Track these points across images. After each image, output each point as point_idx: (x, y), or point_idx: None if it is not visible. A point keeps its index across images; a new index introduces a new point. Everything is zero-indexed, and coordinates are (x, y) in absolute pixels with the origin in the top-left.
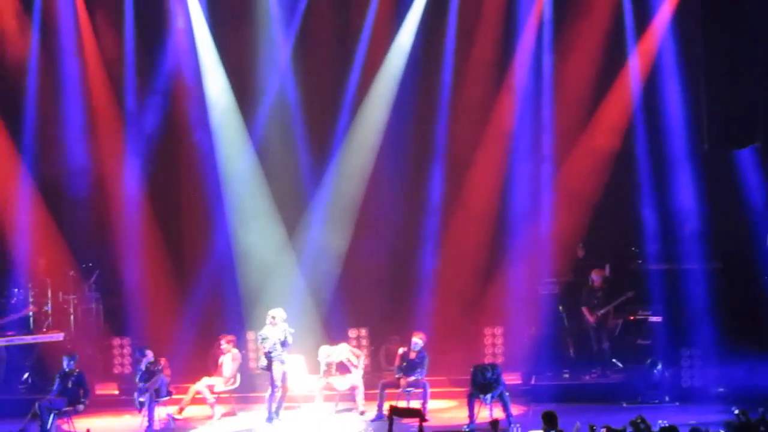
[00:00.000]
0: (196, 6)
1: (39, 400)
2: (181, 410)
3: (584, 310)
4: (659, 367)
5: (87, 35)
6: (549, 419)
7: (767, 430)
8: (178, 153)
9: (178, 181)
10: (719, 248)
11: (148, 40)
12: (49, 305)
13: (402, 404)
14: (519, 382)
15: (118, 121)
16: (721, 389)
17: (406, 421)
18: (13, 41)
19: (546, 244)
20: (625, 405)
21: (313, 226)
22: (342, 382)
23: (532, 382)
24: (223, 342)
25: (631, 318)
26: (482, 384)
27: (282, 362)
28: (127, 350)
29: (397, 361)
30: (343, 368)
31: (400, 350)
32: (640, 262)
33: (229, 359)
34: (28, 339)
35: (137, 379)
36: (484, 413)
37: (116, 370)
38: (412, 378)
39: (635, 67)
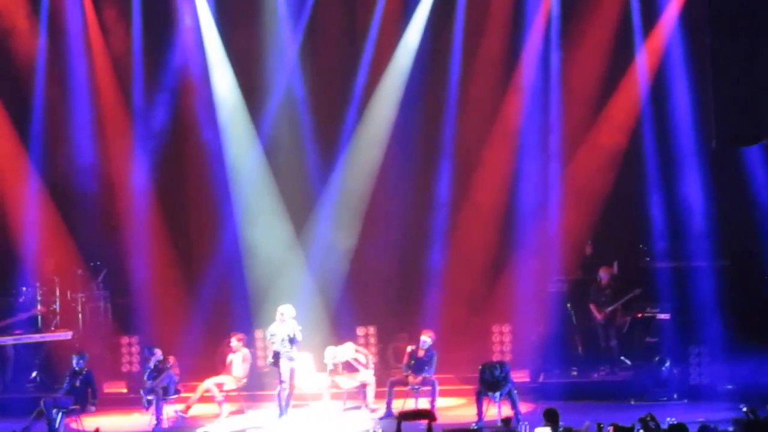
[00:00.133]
0: (203, 4)
1: (44, 398)
2: (188, 408)
3: (592, 307)
4: (667, 364)
5: (95, 34)
6: (550, 416)
7: None
8: (186, 151)
9: (186, 179)
10: (727, 246)
11: (156, 37)
12: (57, 304)
13: (410, 402)
14: (527, 379)
15: (126, 120)
16: (729, 386)
17: (415, 420)
18: (22, 40)
19: (554, 241)
20: (633, 402)
21: (321, 223)
22: (350, 381)
23: (541, 379)
24: (233, 340)
25: (639, 315)
26: (491, 382)
27: (290, 359)
28: (135, 349)
29: (405, 359)
30: (349, 367)
31: (409, 348)
32: (648, 259)
33: (239, 359)
34: (36, 338)
35: (146, 378)
36: (493, 411)
37: (124, 369)
38: (420, 376)
39: (643, 64)
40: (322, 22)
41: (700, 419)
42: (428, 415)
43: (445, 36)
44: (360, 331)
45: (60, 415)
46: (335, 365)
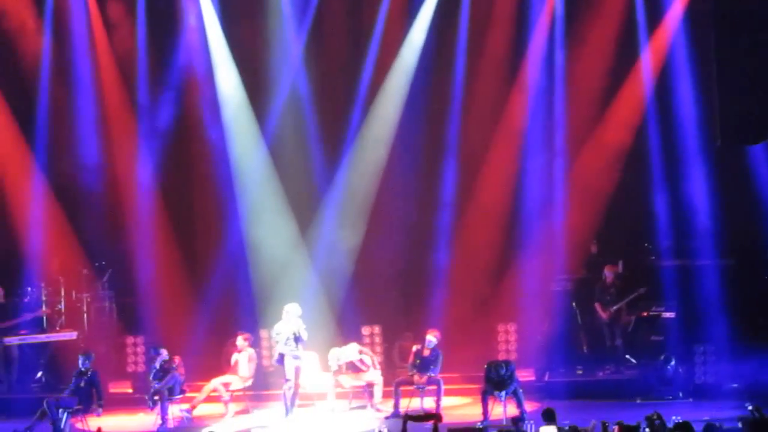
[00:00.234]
0: (207, 2)
1: (47, 398)
2: (193, 408)
3: (597, 306)
4: (672, 363)
5: (99, 33)
6: (548, 416)
7: None
8: (191, 150)
9: (191, 178)
10: (732, 244)
11: (161, 36)
12: (62, 304)
13: (416, 401)
14: (532, 378)
15: (131, 119)
16: (734, 385)
17: (421, 422)
18: (26, 40)
19: (559, 240)
20: (638, 401)
21: (326, 223)
22: (356, 380)
23: (546, 378)
24: (240, 339)
25: (645, 314)
26: (496, 381)
27: (295, 358)
28: (140, 348)
29: (410, 359)
30: (354, 368)
31: (414, 348)
32: (653, 258)
33: (245, 358)
34: (42, 338)
35: (151, 378)
36: (498, 410)
37: (130, 369)
38: (425, 375)
39: (647, 62)
40: (327, 21)
41: (706, 418)
42: (434, 416)
43: (449, 35)
44: (365, 330)
45: (65, 415)
46: (339, 366)
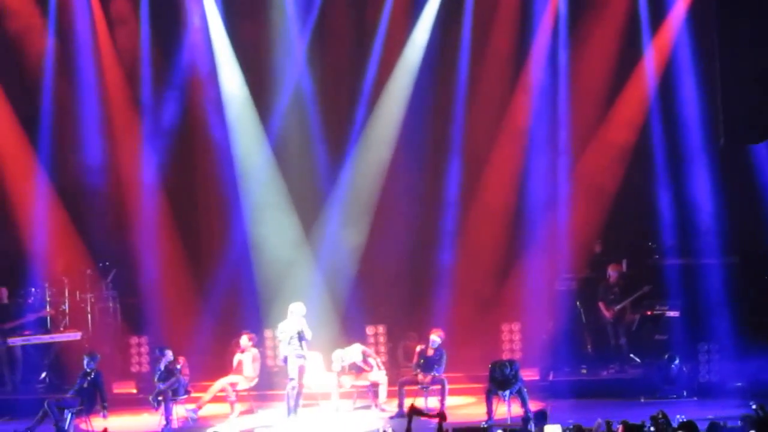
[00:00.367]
0: (211, 1)
1: (48, 399)
2: (199, 408)
3: (601, 305)
4: (677, 362)
5: (102, 33)
6: (541, 417)
7: None
8: (194, 150)
9: (195, 178)
10: (736, 243)
11: (164, 36)
12: (67, 304)
13: (420, 401)
14: (537, 377)
15: (135, 119)
16: (738, 384)
17: (425, 417)
18: (30, 40)
19: (563, 239)
20: (643, 400)
21: (330, 222)
22: (361, 380)
23: (550, 377)
24: (244, 338)
25: (649, 313)
26: (500, 380)
27: (299, 357)
28: (144, 349)
29: (415, 359)
30: (357, 369)
31: (418, 348)
32: (656, 257)
33: (249, 359)
34: (46, 338)
35: (156, 379)
36: (503, 409)
37: (134, 369)
38: (430, 375)
39: (651, 61)
40: (331, 20)
41: (710, 416)
42: (439, 415)
43: (453, 34)
44: (369, 330)
45: (70, 415)
46: (343, 368)
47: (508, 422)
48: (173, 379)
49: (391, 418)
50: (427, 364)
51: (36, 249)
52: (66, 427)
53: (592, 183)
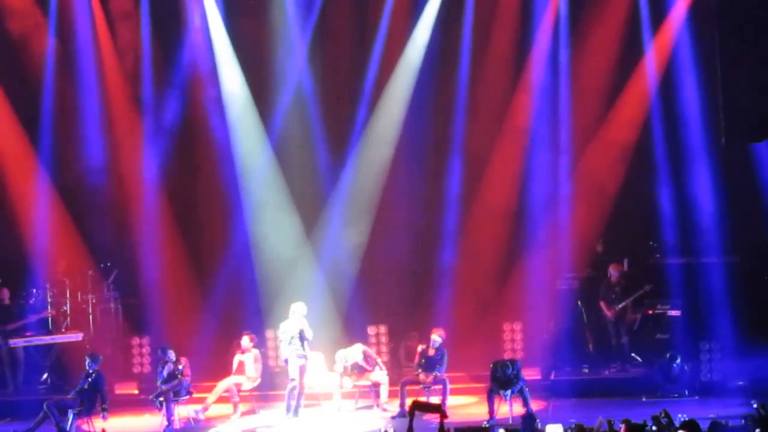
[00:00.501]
0: (211, 0)
1: (47, 400)
2: (205, 409)
3: (602, 304)
4: (678, 361)
5: (103, 32)
6: (529, 419)
7: None
8: (196, 149)
9: (196, 178)
10: (737, 241)
11: (165, 35)
12: (68, 305)
13: (422, 400)
14: (538, 377)
15: (136, 119)
16: (740, 383)
17: (426, 417)
18: (31, 39)
19: (564, 238)
20: (644, 399)
21: (331, 221)
22: (362, 380)
23: (552, 377)
24: (246, 339)
25: (650, 312)
26: (502, 380)
27: (299, 357)
28: (146, 349)
29: (416, 359)
30: (359, 368)
31: (419, 347)
32: (658, 256)
33: (251, 359)
34: (47, 339)
35: (158, 380)
36: (504, 409)
37: (135, 370)
38: (431, 374)
39: (652, 60)
40: (332, 19)
41: (711, 416)
42: (439, 410)
43: (454, 33)
44: (371, 330)
45: (72, 416)
46: (345, 368)
47: (510, 422)
48: (175, 382)
49: (393, 418)
50: (429, 363)
51: (37, 250)
52: (68, 428)
53: (593, 182)
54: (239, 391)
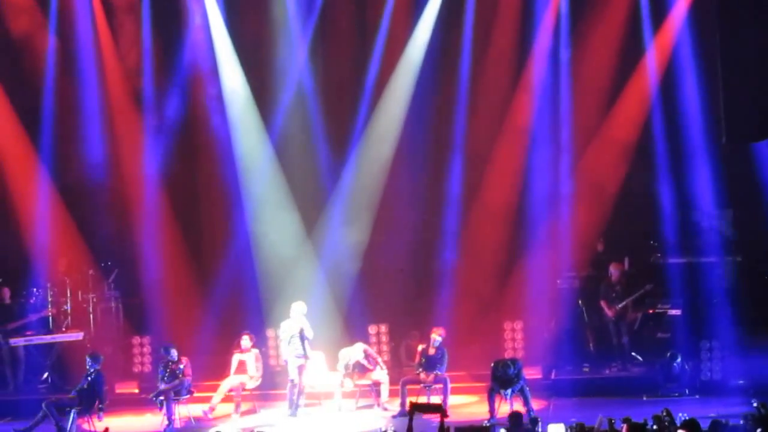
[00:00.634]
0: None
1: (46, 400)
2: (212, 409)
3: (603, 304)
4: (679, 360)
5: (104, 31)
6: (514, 419)
7: None
8: (197, 148)
9: (197, 177)
10: (737, 240)
11: (166, 33)
12: (69, 305)
13: (423, 400)
14: (539, 376)
15: (136, 118)
16: (741, 382)
17: (427, 416)
18: (31, 37)
19: (565, 237)
20: (645, 398)
21: (333, 220)
22: (363, 379)
23: (553, 376)
24: (246, 339)
25: (651, 311)
26: (503, 379)
27: (298, 357)
28: (147, 349)
29: (417, 358)
30: (360, 367)
31: (420, 347)
32: (658, 255)
33: (252, 359)
34: (48, 339)
35: (159, 379)
36: (505, 408)
37: (136, 369)
38: (432, 374)
39: (652, 59)
40: (333, 17)
41: (712, 415)
42: (439, 409)
43: (455, 32)
44: (372, 329)
45: (73, 415)
46: (346, 366)
47: (489, 423)
48: (176, 381)
49: (394, 417)
50: (429, 363)
51: (38, 249)
52: (68, 428)
53: (593, 181)
54: (243, 390)
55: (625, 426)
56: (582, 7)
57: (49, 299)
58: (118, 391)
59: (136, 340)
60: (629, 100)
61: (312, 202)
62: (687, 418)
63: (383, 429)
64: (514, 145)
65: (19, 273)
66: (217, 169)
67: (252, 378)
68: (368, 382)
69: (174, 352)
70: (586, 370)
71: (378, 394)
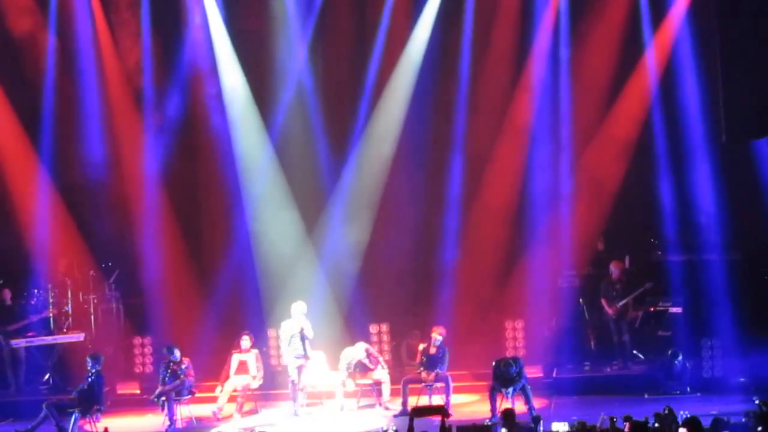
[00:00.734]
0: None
1: (46, 401)
2: (220, 410)
3: (603, 302)
4: (680, 358)
5: (104, 30)
6: (507, 417)
7: None
8: (197, 147)
9: (197, 177)
10: (738, 238)
11: (166, 33)
12: (70, 305)
13: (424, 399)
14: (540, 375)
15: (137, 118)
16: (742, 379)
17: (429, 415)
18: (31, 37)
19: (566, 236)
20: (646, 396)
21: (333, 220)
22: (364, 379)
23: (554, 375)
24: (246, 340)
25: (652, 309)
26: (504, 378)
27: (298, 357)
28: (148, 349)
29: (418, 357)
30: (362, 366)
31: (421, 346)
32: (659, 253)
33: (252, 359)
34: (49, 339)
35: (160, 379)
36: (506, 407)
37: (137, 370)
38: (433, 373)
39: (652, 57)
40: (332, 16)
41: (713, 412)
42: (441, 410)
43: (455, 31)
44: (373, 328)
45: (75, 415)
46: (348, 365)
47: (489, 422)
48: (177, 381)
49: (395, 416)
50: (431, 362)
51: (39, 250)
52: (70, 428)
53: (594, 180)
54: (247, 390)
55: (627, 424)
56: (581, 6)
57: (50, 300)
58: (119, 391)
59: (137, 340)
60: (629, 99)
61: (312, 201)
62: (689, 415)
63: (385, 428)
64: (514, 144)
65: (19, 274)
66: (218, 168)
67: (254, 378)
68: (370, 381)
69: (177, 353)
70: (587, 368)
71: (379, 393)
